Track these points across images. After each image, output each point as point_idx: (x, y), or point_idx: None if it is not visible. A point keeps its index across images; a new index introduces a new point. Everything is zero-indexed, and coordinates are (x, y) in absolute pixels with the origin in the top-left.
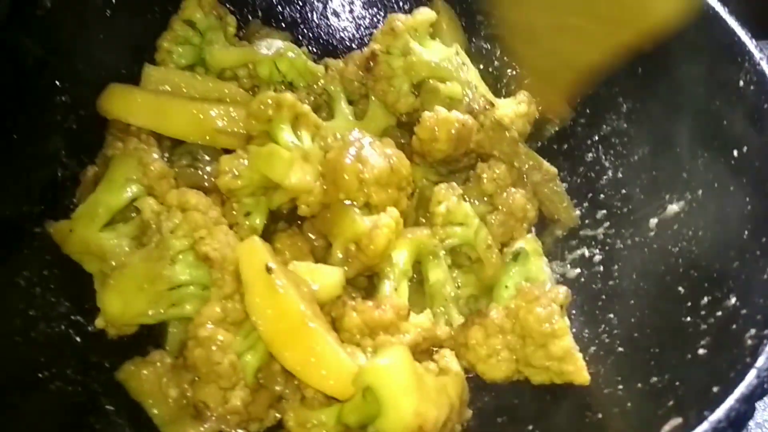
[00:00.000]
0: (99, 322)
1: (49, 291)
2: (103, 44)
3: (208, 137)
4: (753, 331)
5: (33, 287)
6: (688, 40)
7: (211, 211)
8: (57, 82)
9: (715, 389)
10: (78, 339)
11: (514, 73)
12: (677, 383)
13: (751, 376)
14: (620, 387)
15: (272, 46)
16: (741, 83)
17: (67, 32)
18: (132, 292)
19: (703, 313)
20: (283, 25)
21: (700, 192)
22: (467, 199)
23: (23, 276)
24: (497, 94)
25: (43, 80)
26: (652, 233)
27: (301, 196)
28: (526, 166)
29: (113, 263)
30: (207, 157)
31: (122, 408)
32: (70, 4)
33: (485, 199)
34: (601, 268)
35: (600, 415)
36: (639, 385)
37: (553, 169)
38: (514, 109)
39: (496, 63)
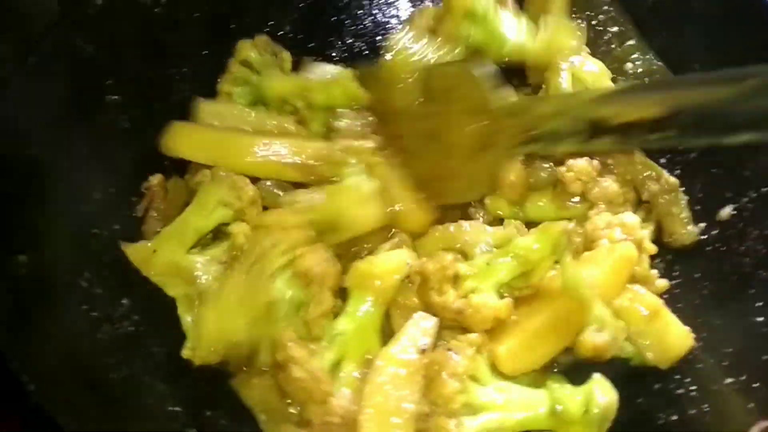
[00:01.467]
0: (186, 352)
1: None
2: (154, 43)
3: (273, 171)
4: None
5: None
6: (746, 34)
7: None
8: (109, 81)
9: None
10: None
11: None
12: (756, 385)
13: None
14: (693, 388)
15: (324, 72)
16: None
17: (118, 31)
18: (231, 309)
19: None
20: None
21: (764, 189)
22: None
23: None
24: None
25: (95, 79)
26: (714, 232)
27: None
28: (642, 176)
29: (203, 284)
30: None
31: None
32: (121, 3)
33: (578, 199)
34: (663, 268)
35: (675, 417)
36: (714, 387)
37: (674, 180)
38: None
39: None
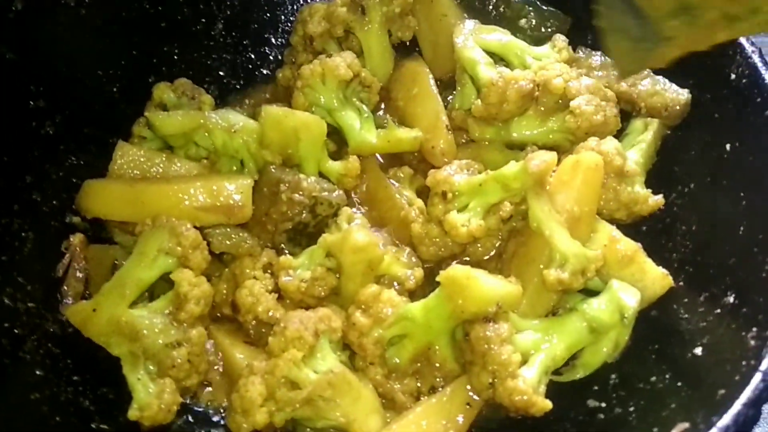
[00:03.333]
0: (133, 414)
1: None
2: (77, 44)
3: (190, 217)
4: (755, 330)
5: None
6: None
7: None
8: (31, 87)
9: (720, 392)
10: None
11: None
12: (679, 384)
13: (756, 380)
14: (619, 386)
15: (227, 118)
16: (732, 76)
17: (40, 33)
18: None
19: (701, 310)
20: None
21: (692, 185)
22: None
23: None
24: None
25: (17, 84)
26: (643, 228)
27: None
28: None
29: (149, 340)
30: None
31: None
32: (42, 5)
33: (559, 102)
34: None
35: (602, 416)
36: (640, 384)
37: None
38: (555, 57)
39: None
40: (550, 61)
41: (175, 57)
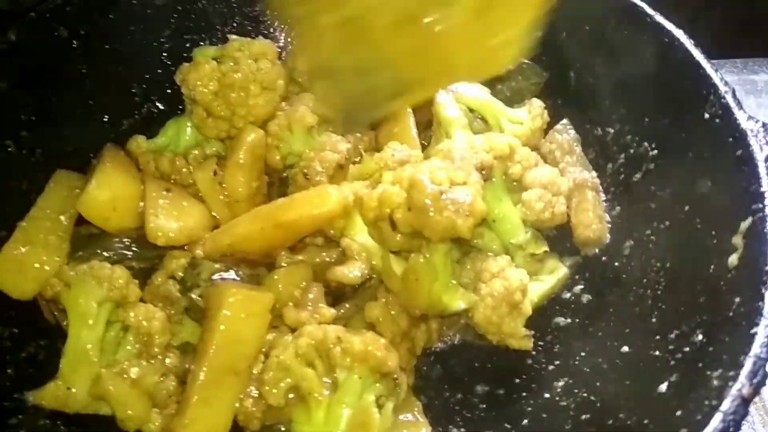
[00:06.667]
0: None
1: None
2: (72, 76)
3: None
4: (719, 371)
5: None
6: (651, 72)
7: None
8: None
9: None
10: None
11: None
12: (645, 421)
13: (716, 421)
14: (590, 422)
15: None
16: (707, 115)
17: (33, 66)
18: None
19: (671, 347)
20: None
21: (667, 222)
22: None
23: None
24: None
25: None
26: (616, 263)
27: None
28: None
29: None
30: None
31: None
32: (35, 37)
33: (514, 184)
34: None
35: None
36: (609, 421)
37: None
38: (530, 125)
39: None
40: (523, 129)
41: None
